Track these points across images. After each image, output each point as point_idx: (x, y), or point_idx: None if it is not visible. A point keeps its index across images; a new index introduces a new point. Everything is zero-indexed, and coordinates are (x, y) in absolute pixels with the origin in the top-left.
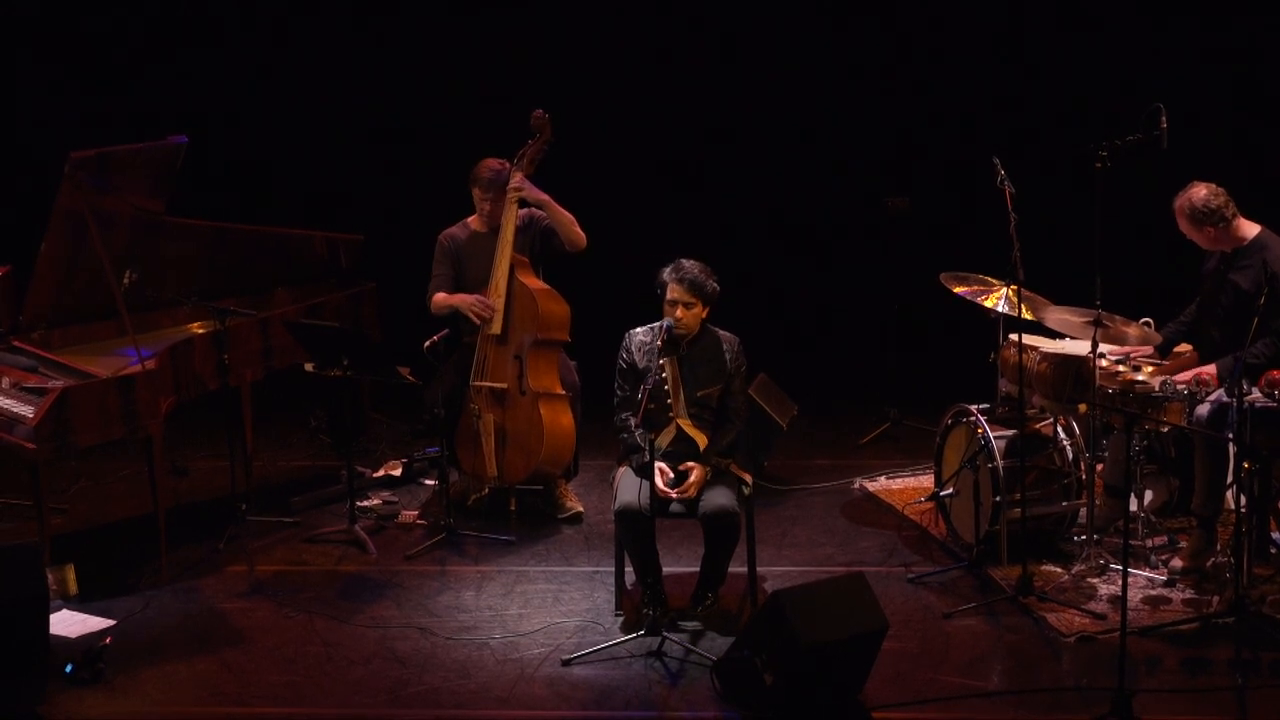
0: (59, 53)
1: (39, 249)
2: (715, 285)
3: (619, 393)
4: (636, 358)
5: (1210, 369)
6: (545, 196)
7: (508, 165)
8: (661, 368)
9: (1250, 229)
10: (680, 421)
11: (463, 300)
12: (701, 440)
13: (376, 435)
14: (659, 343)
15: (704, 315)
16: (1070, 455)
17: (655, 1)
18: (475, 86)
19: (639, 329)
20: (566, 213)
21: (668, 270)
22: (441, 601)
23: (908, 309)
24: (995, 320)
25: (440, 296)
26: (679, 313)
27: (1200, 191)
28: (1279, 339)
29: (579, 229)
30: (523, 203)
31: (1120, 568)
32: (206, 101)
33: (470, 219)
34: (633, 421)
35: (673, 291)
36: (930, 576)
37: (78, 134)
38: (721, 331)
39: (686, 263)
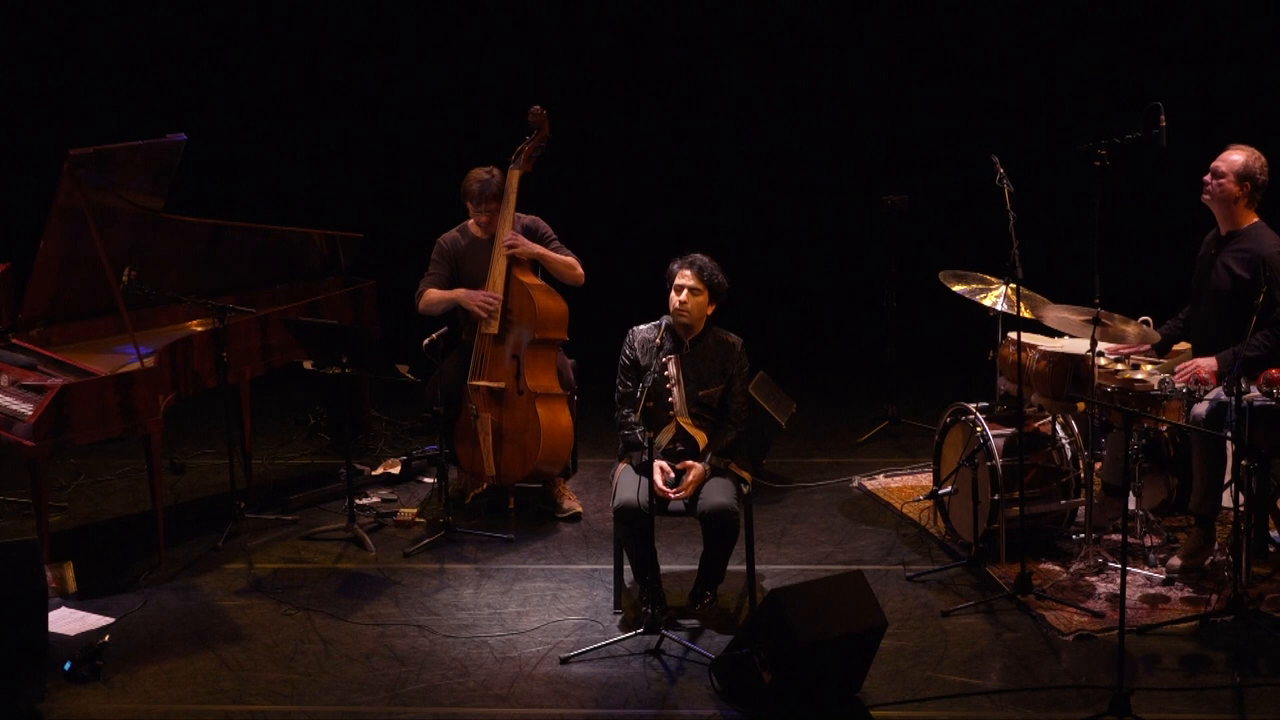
0: (59, 51)
1: (38, 246)
2: (724, 280)
3: (620, 389)
4: (639, 354)
5: (1210, 363)
6: (539, 249)
7: (496, 172)
8: (665, 364)
9: (1249, 217)
10: (681, 420)
11: (464, 295)
12: (701, 439)
13: (375, 433)
14: (658, 340)
15: (709, 310)
16: (1069, 453)
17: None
18: (475, 85)
19: (642, 326)
20: (563, 258)
21: (678, 260)
22: (440, 599)
23: (907, 307)
24: (994, 318)
25: (433, 292)
26: (684, 297)
27: (1261, 158)
28: (1278, 329)
29: (578, 270)
30: (522, 204)
31: (1119, 566)
32: (206, 99)
33: (470, 223)
34: (633, 418)
35: (681, 276)
36: (929, 575)
37: (77, 131)
38: (726, 333)
39: (699, 254)
